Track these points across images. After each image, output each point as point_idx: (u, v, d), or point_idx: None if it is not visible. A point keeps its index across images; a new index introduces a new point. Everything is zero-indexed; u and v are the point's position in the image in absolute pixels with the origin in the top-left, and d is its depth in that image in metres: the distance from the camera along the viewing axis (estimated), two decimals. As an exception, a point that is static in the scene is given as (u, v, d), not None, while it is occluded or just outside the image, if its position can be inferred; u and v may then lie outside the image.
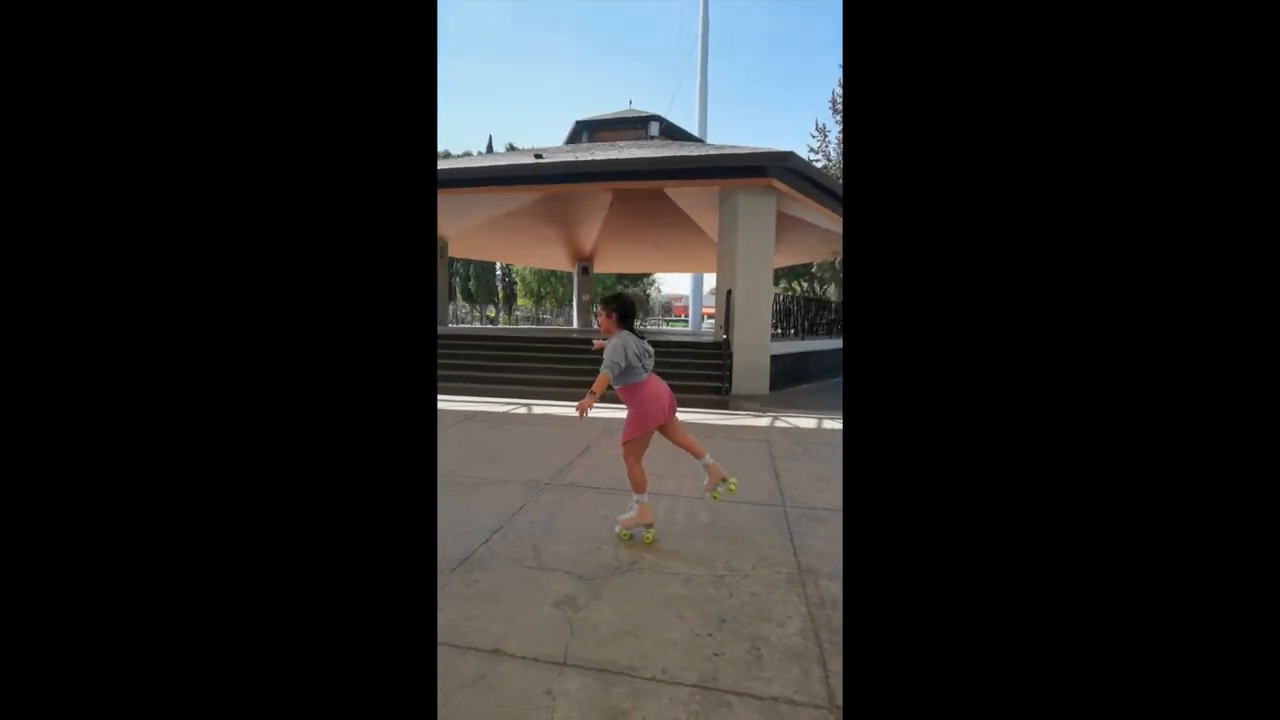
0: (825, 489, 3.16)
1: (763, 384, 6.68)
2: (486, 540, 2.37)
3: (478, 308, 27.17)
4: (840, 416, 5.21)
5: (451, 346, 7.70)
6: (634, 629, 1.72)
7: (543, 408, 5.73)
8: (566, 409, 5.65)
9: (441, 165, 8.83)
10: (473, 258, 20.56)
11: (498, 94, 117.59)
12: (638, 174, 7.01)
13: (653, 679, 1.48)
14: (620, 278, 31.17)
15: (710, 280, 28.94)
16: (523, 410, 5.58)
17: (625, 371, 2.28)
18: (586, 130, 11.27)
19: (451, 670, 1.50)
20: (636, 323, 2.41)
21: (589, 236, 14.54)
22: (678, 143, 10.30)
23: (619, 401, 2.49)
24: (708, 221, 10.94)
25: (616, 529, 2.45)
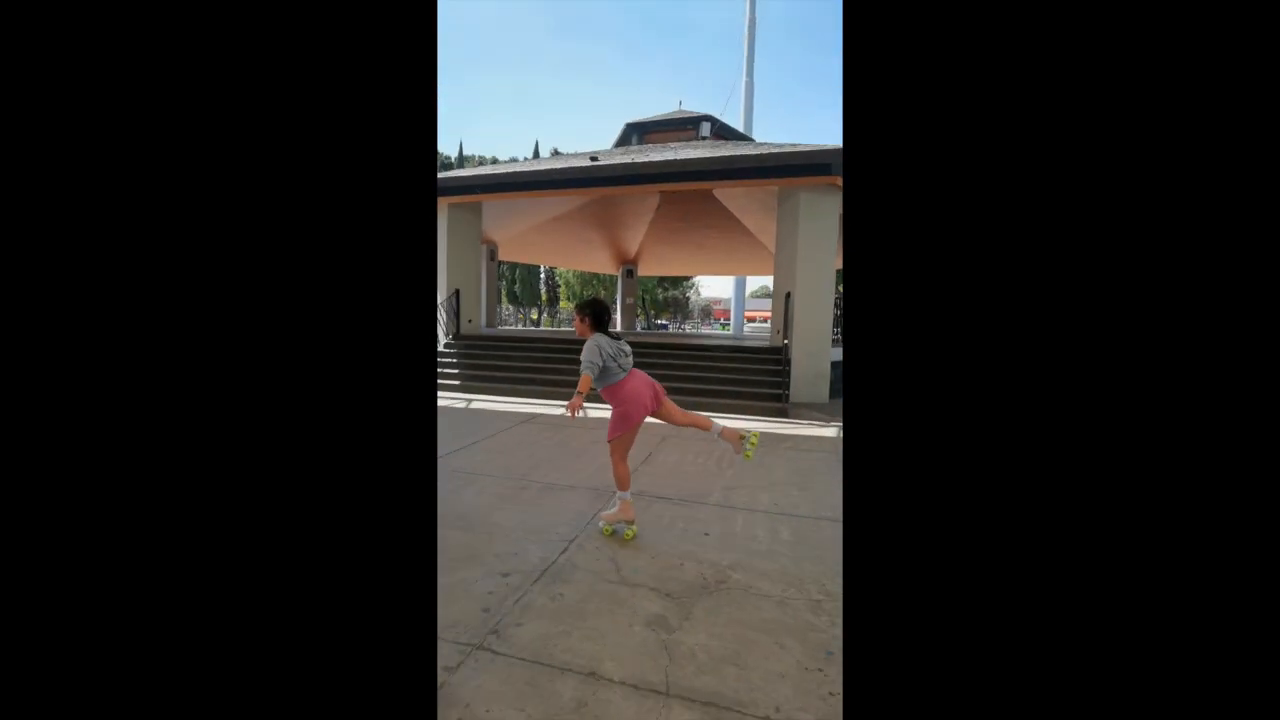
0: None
1: (823, 391, 6.43)
2: (564, 550, 2.30)
3: (521, 309, 27.65)
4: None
5: (503, 348, 7.78)
6: (734, 657, 1.60)
7: (599, 412, 5.67)
8: (621, 413, 5.58)
9: (492, 170, 8.99)
10: (521, 261, 20.94)
11: (542, 102, 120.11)
12: (697, 174, 6.89)
13: (767, 719, 1.36)
14: (661, 280, 31.10)
15: (753, 283, 28.45)
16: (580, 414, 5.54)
17: (602, 373, 2.34)
18: (637, 132, 11.24)
19: (548, 692, 1.43)
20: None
21: (634, 239, 14.53)
22: (731, 143, 10.12)
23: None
24: (756, 223, 10.72)
25: (600, 524, 2.49)
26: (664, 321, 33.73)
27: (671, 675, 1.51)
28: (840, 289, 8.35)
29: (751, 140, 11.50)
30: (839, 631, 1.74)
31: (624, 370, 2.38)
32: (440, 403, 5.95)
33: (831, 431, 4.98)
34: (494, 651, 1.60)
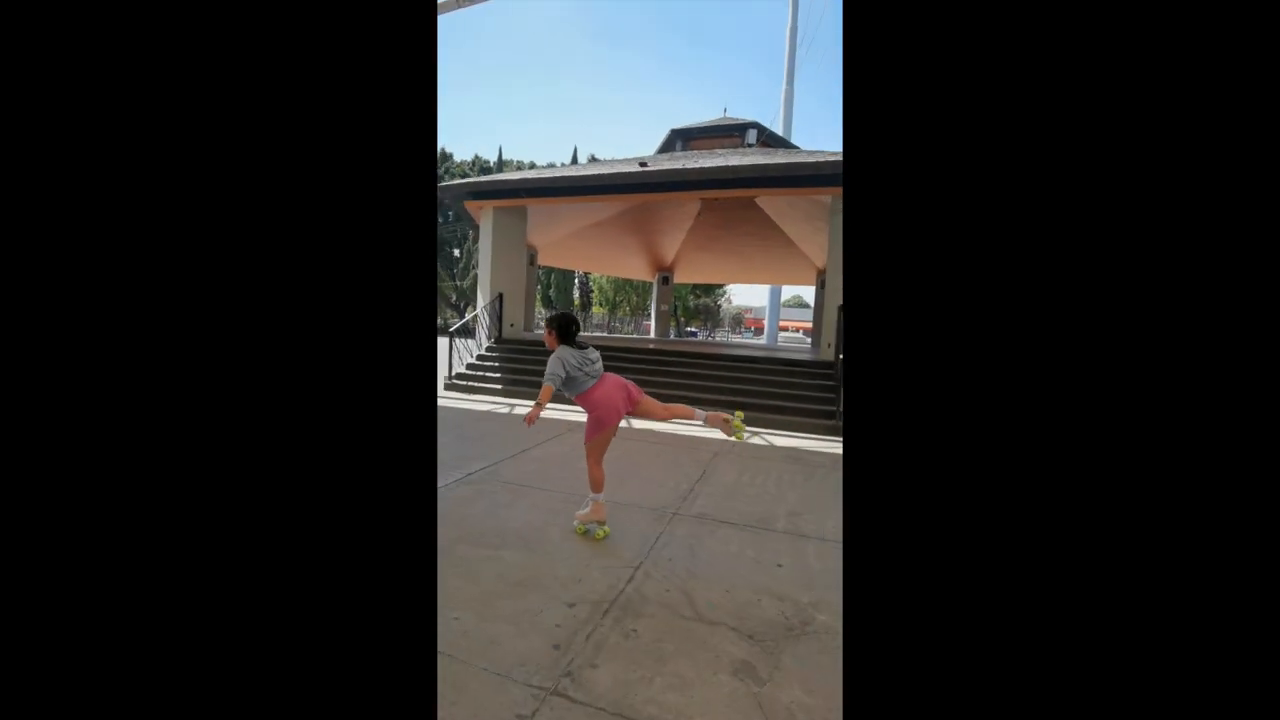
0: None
1: (873, 408, 6.11)
2: (631, 578, 2.14)
3: (553, 312, 27.84)
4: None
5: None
6: (841, 721, 1.41)
7: (642, 421, 5.52)
8: (667, 424, 5.43)
9: (539, 174, 8.98)
10: (558, 266, 21.05)
11: (581, 110, 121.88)
12: (751, 181, 6.70)
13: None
14: (694, 288, 30.87)
15: (786, 292, 27.91)
16: (622, 423, 5.40)
17: (568, 382, 2.43)
18: (681, 139, 11.13)
19: (638, 753, 1.26)
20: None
21: (672, 246, 14.41)
22: (781, 150, 9.91)
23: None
24: (798, 231, 10.44)
25: (574, 523, 2.57)
26: (694, 329, 33.43)
27: (774, 741, 1.33)
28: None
29: (797, 148, 11.25)
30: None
31: (592, 377, 2.45)
32: (482, 407, 5.90)
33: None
34: (570, 699, 1.45)
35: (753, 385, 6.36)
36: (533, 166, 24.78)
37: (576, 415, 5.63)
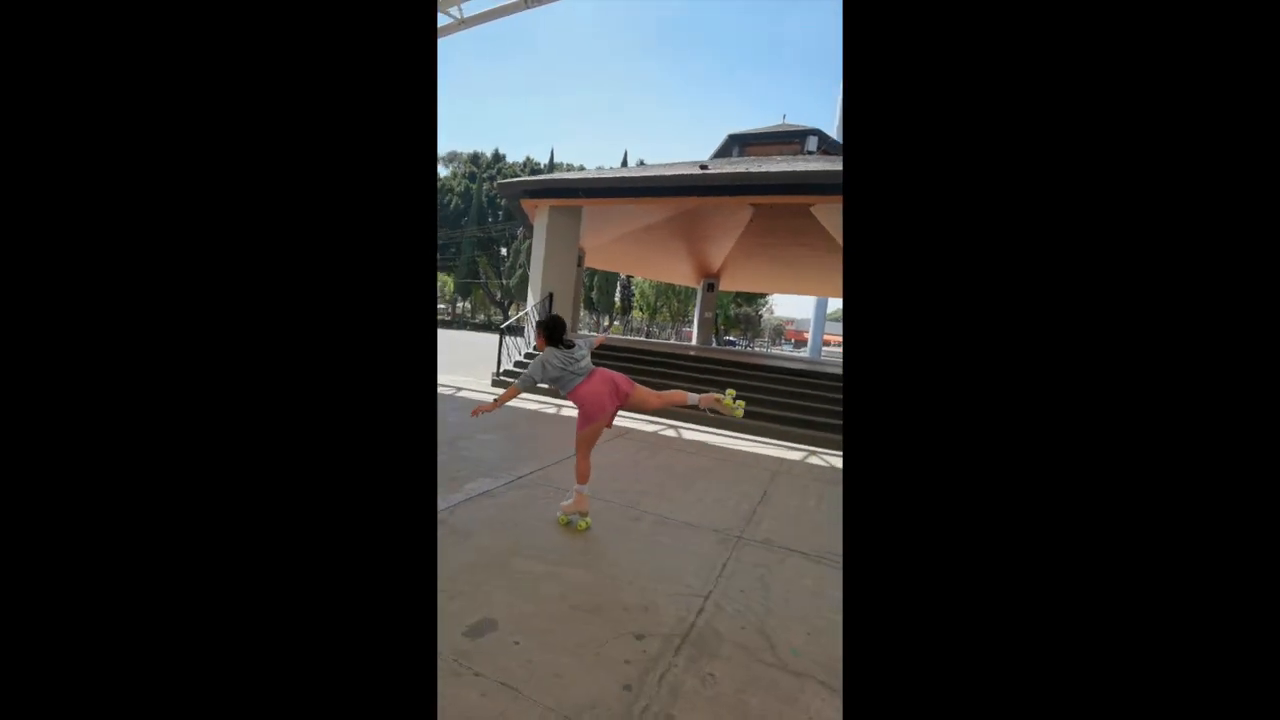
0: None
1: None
2: (701, 609, 1.95)
3: (595, 316, 27.96)
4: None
5: (595, 355, 7.60)
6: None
7: (692, 433, 5.33)
8: (718, 437, 5.22)
9: (598, 174, 8.93)
10: (604, 269, 21.09)
11: (631, 115, 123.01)
12: (817, 188, 6.41)
13: None
14: (736, 296, 30.39)
15: (832, 305, 27.09)
16: (671, 433, 5.23)
17: (556, 381, 2.54)
18: (738, 144, 10.91)
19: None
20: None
21: (720, 253, 14.16)
22: (840, 158, 9.56)
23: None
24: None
25: (557, 514, 2.64)
26: (733, 338, 32.86)
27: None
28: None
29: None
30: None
31: (579, 375, 2.53)
32: (530, 406, 5.83)
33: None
34: (652, 756, 1.27)
35: (808, 401, 6.05)
36: (581, 169, 24.99)
37: (619, 420, 5.48)
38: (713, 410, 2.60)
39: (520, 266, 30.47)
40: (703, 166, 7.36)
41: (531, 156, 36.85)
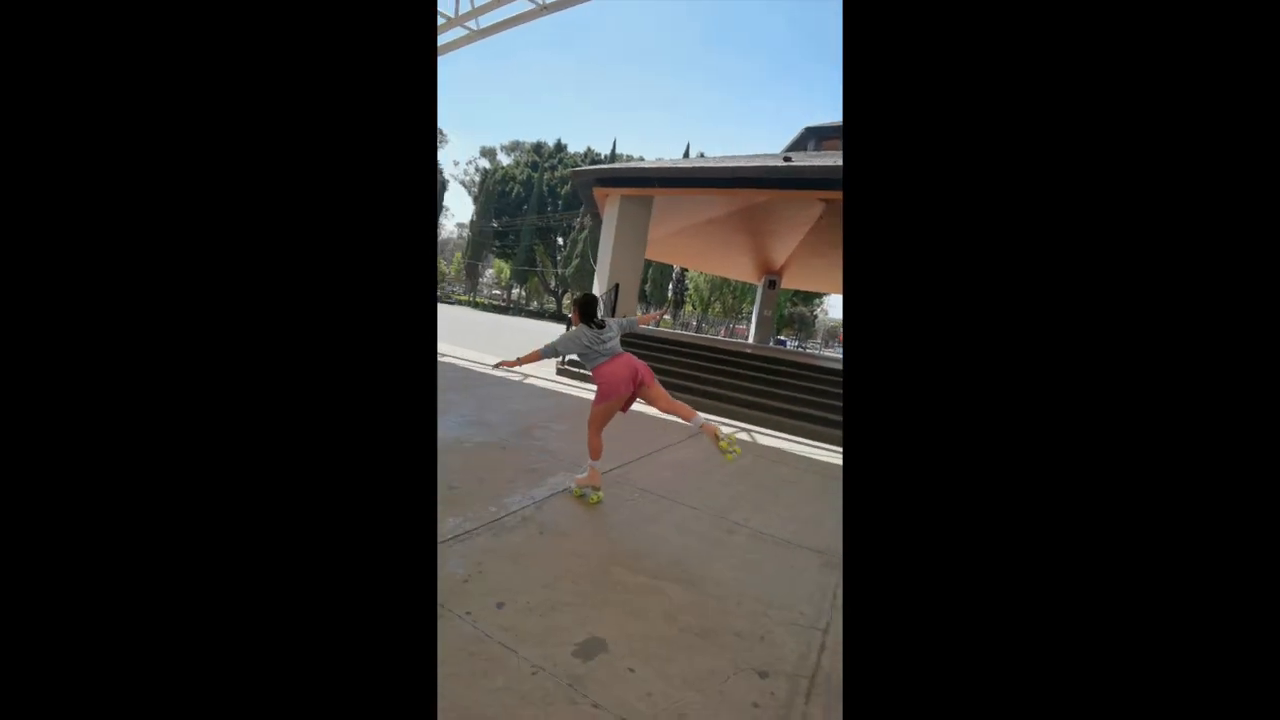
0: None
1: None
2: (822, 645, 1.75)
3: (645, 307, 27.87)
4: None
5: (657, 349, 7.45)
6: None
7: (767, 439, 5.09)
8: (789, 443, 4.95)
9: (673, 163, 8.71)
10: (663, 261, 20.87)
11: (693, 107, 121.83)
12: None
13: None
14: (793, 295, 29.48)
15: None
16: (744, 436, 5.00)
17: (584, 356, 2.64)
18: (815, 137, 10.42)
19: None
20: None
21: (784, 250, 13.68)
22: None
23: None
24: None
25: (571, 486, 2.77)
26: (783, 338, 31.90)
27: None
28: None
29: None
30: None
31: (604, 355, 2.61)
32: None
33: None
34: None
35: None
36: (641, 160, 24.81)
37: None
38: (714, 437, 2.52)
39: (577, 257, 30.72)
40: (786, 158, 7.01)
41: (592, 147, 37.02)
